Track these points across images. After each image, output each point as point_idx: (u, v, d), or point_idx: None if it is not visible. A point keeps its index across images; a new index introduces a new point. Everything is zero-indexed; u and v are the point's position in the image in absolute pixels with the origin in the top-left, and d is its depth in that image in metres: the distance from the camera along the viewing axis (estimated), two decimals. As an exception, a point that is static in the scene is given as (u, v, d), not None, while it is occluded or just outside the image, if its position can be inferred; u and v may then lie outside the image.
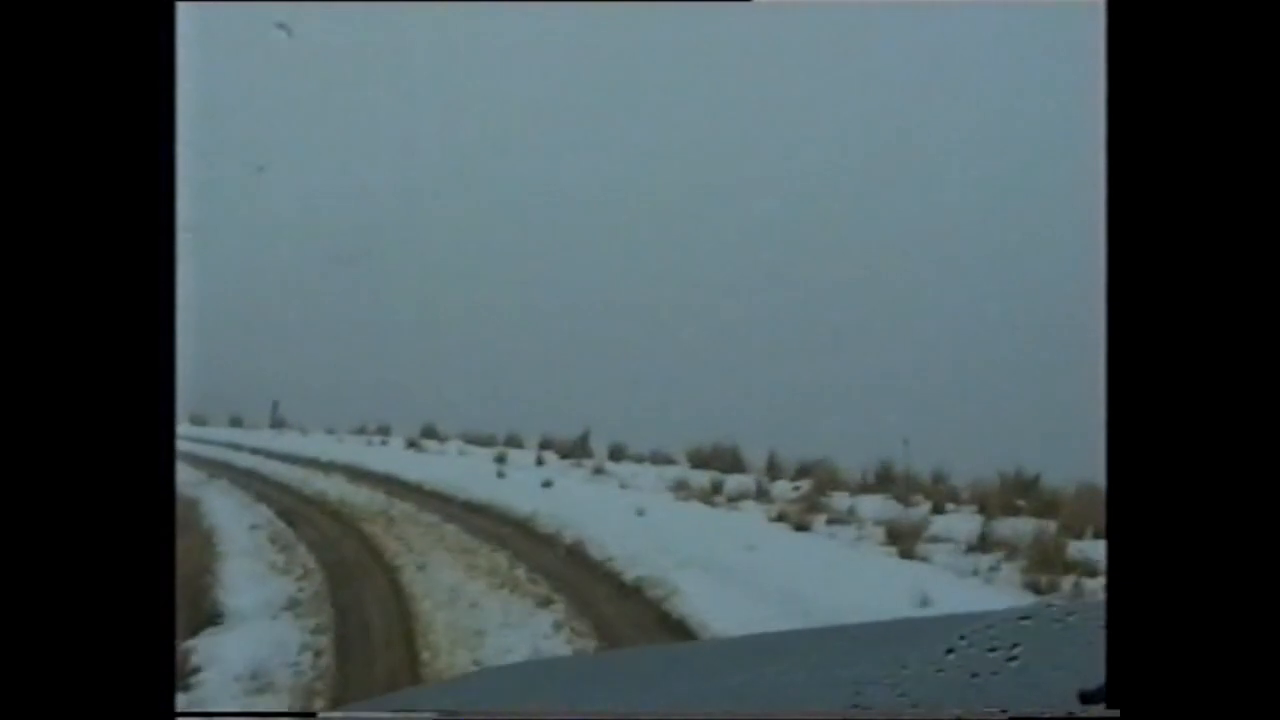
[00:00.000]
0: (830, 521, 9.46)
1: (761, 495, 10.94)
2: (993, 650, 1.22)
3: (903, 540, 8.27)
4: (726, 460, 14.84)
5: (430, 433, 20.89)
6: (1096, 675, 0.97)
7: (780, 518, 9.55)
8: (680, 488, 11.76)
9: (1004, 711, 1.05)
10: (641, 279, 32.46)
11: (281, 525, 9.77)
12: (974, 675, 1.18)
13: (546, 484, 12.33)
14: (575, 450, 17.33)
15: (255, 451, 17.63)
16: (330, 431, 22.95)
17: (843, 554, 8.28)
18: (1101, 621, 1.00)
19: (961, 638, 1.24)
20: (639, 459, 16.29)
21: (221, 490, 12.56)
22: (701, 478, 12.28)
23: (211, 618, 6.39)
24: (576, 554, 8.27)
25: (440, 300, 33.50)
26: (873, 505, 9.92)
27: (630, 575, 7.44)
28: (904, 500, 10.26)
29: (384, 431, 21.90)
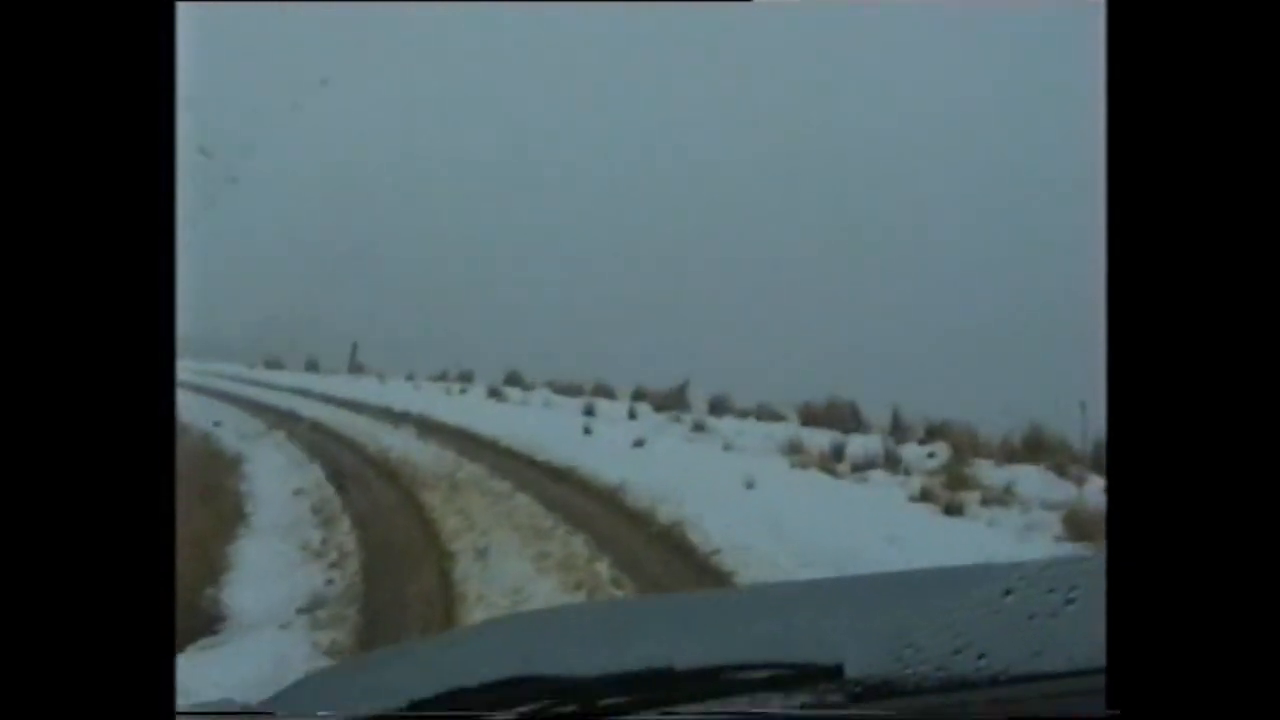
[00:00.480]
0: (986, 502, 7.70)
1: (891, 462, 9.34)
2: (1051, 591, 1.22)
3: (1086, 531, 6.42)
4: (843, 417, 12.77)
5: (514, 380, 20.09)
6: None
7: (924, 496, 7.89)
8: (793, 451, 10.17)
9: (1003, 707, 1.04)
10: (744, 220, 30.83)
11: (329, 491, 8.74)
12: (1031, 617, 1.19)
13: (639, 443, 10.87)
14: (672, 402, 16.06)
15: (326, 399, 17.07)
16: (409, 378, 22.39)
17: (1012, 549, 6.37)
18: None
19: (1020, 576, 1.24)
20: (743, 414, 15.02)
21: (276, 444, 11.68)
22: (818, 439, 10.70)
23: (208, 624, 5.16)
24: (673, 541, 6.83)
25: (531, 241, 32.83)
26: (1030, 479, 8.32)
27: (742, 575, 5.93)
28: (1065, 473, 8.49)
29: (466, 378, 20.50)
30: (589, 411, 14.45)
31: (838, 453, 9.60)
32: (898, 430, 11.18)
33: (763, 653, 1.25)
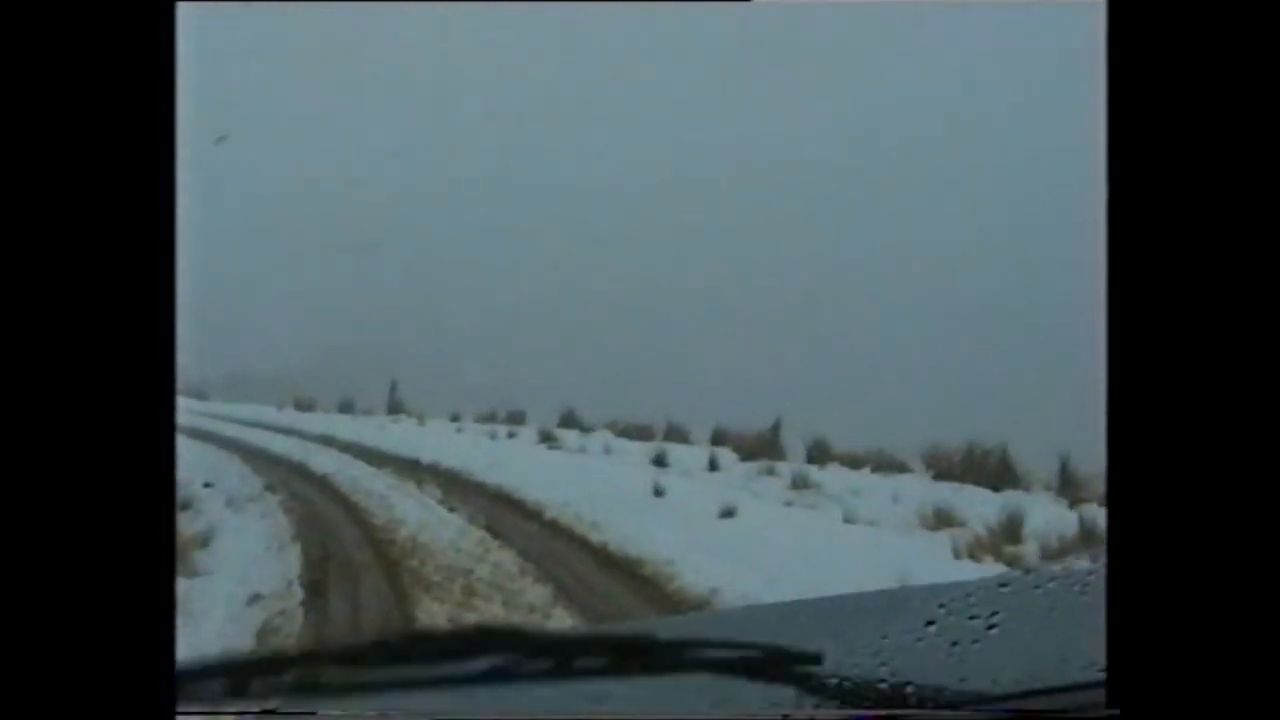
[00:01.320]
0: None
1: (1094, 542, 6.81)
2: (973, 618, 1.28)
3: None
4: (990, 468, 9.41)
5: (571, 421, 16.69)
6: (1075, 641, 1.07)
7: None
8: (942, 522, 8.15)
9: (1007, 708, 1.11)
10: (841, 227, 27.89)
11: (296, 599, 6.74)
12: (954, 644, 1.25)
13: (728, 513, 8.95)
14: (762, 448, 14.04)
15: (349, 447, 15.80)
16: (454, 419, 20.99)
17: None
18: (1079, 588, 1.14)
19: (941, 606, 1.30)
20: (852, 462, 12.85)
21: (261, 514, 10.01)
22: (970, 504, 8.67)
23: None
24: None
25: (590, 259, 30.25)
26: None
27: None
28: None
29: (516, 419, 17.52)
30: (660, 461, 13.15)
31: (1011, 528, 7.53)
32: (1069, 486, 8.00)
33: (698, 681, 1.26)
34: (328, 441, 15.91)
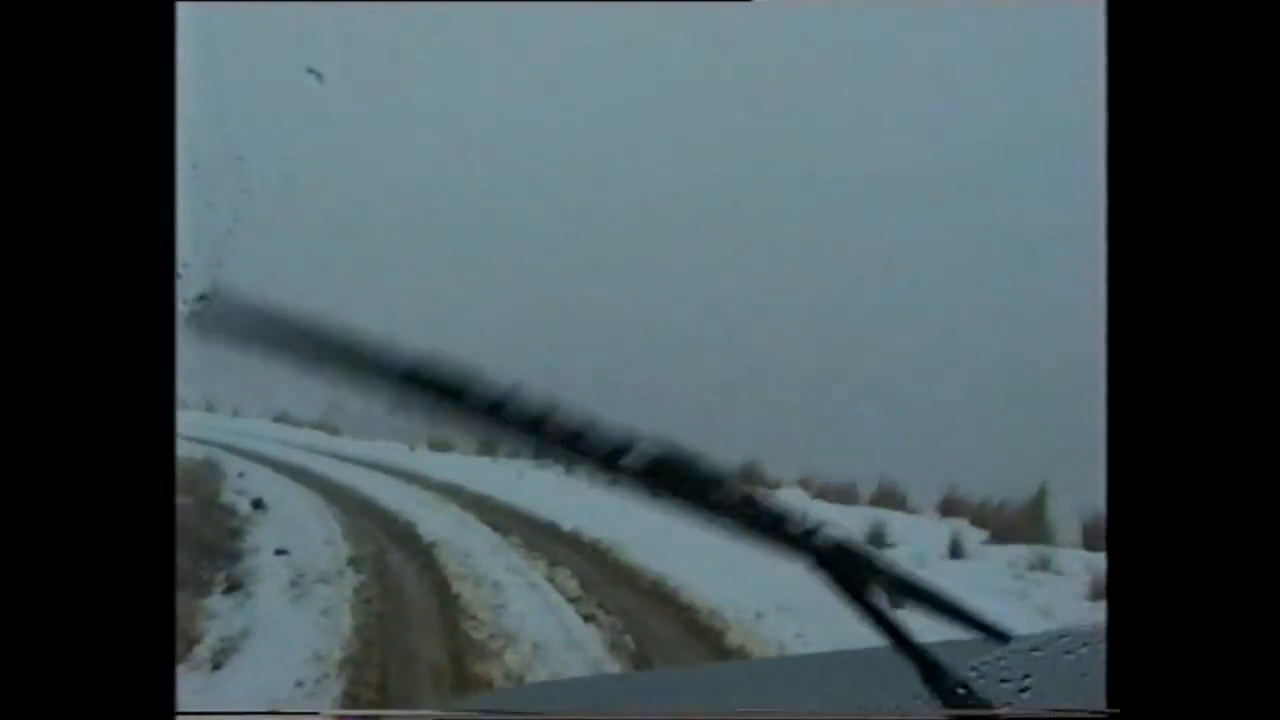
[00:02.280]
0: None
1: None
2: (1004, 682, 1.33)
3: None
4: None
5: (754, 475, 13.96)
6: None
7: None
8: None
9: (1007, 704, 1.22)
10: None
11: None
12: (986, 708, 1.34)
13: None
14: (1025, 522, 10.31)
15: (474, 502, 12.93)
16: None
17: None
18: None
19: (972, 669, 1.37)
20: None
21: (325, 608, 7.50)
22: None
23: None
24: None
25: (783, 282, 28.26)
26: None
27: None
28: None
29: None
30: (877, 538, 9.81)
31: None
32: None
33: (740, 709, 1.46)
34: (454, 492, 14.12)
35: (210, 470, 15.68)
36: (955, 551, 9.38)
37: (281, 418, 30.01)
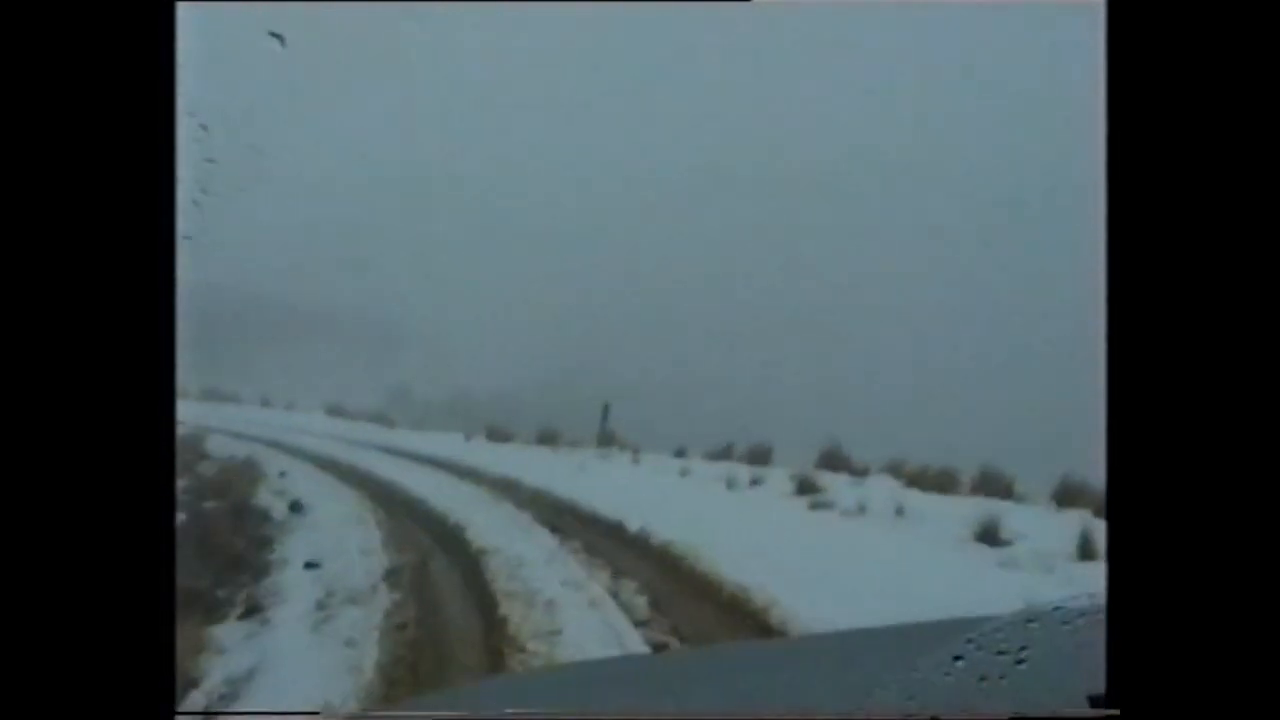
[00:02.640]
0: None
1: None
2: (1001, 653, 1.35)
3: None
4: None
5: (836, 460, 13.52)
6: (1102, 677, 1.15)
7: None
8: None
9: (1002, 676, 1.26)
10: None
11: None
12: (982, 679, 1.33)
13: None
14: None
15: (530, 501, 11.70)
16: (679, 454, 16.59)
17: None
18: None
19: (969, 640, 1.40)
20: None
21: (350, 638, 6.43)
22: None
23: None
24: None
25: (849, 263, 29.23)
26: None
27: None
28: None
29: (760, 458, 15.21)
30: (988, 533, 8.32)
31: None
32: None
33: (728, 707, 1.49)
34: (509, 488, 13.13)
35: (249, 470, 15.33)
36: (1085, 552, 7.88)
37: (336, 410, 29.73)
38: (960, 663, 1.32)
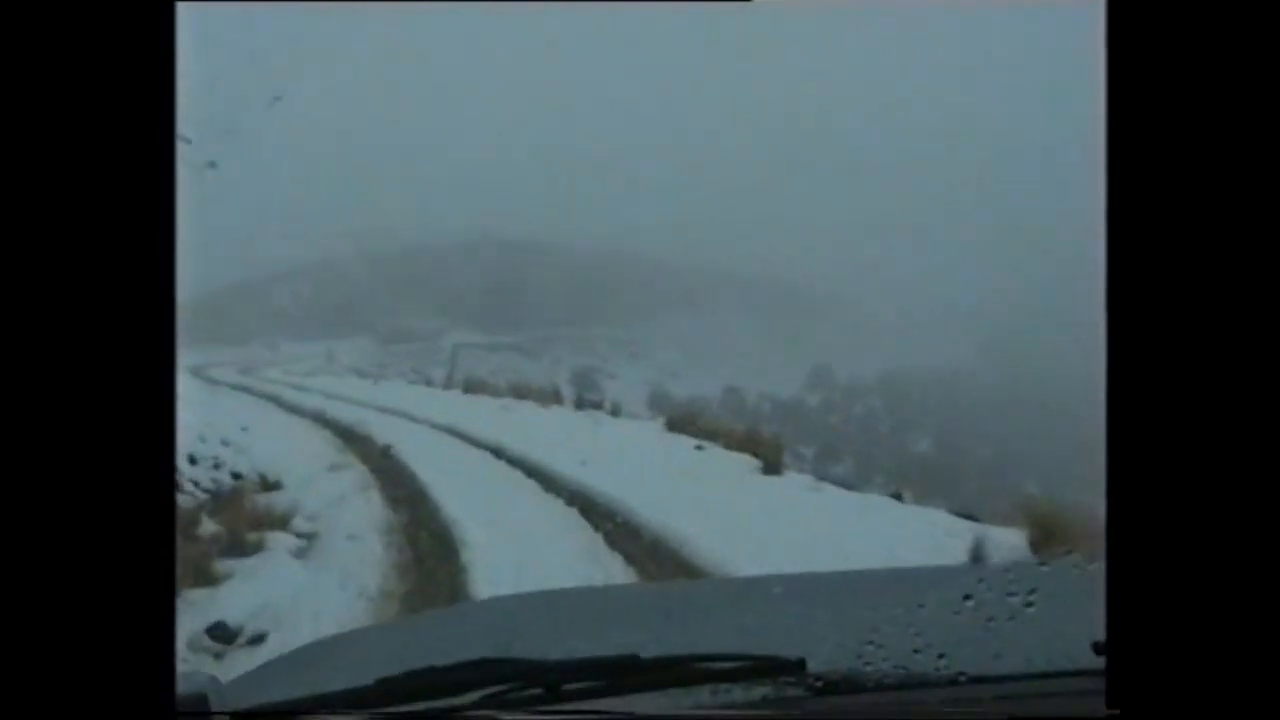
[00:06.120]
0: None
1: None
2: (1011, 595, 1.35)
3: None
4: None
5: None
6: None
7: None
8: None
9: (1010, 618, 1.27)
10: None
11: None
12: (990, 619, 1.33)
13: None
14: None
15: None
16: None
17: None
18: None
19: (980, 580, 1.40)
20: None
21: None
22: None
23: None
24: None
25: None
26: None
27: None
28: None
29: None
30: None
31: None
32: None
33: (731, 643, 1.43)
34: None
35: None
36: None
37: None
38: (970, 602, 1.30)
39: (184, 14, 1.25)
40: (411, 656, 1.33)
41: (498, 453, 13.01)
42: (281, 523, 9.02)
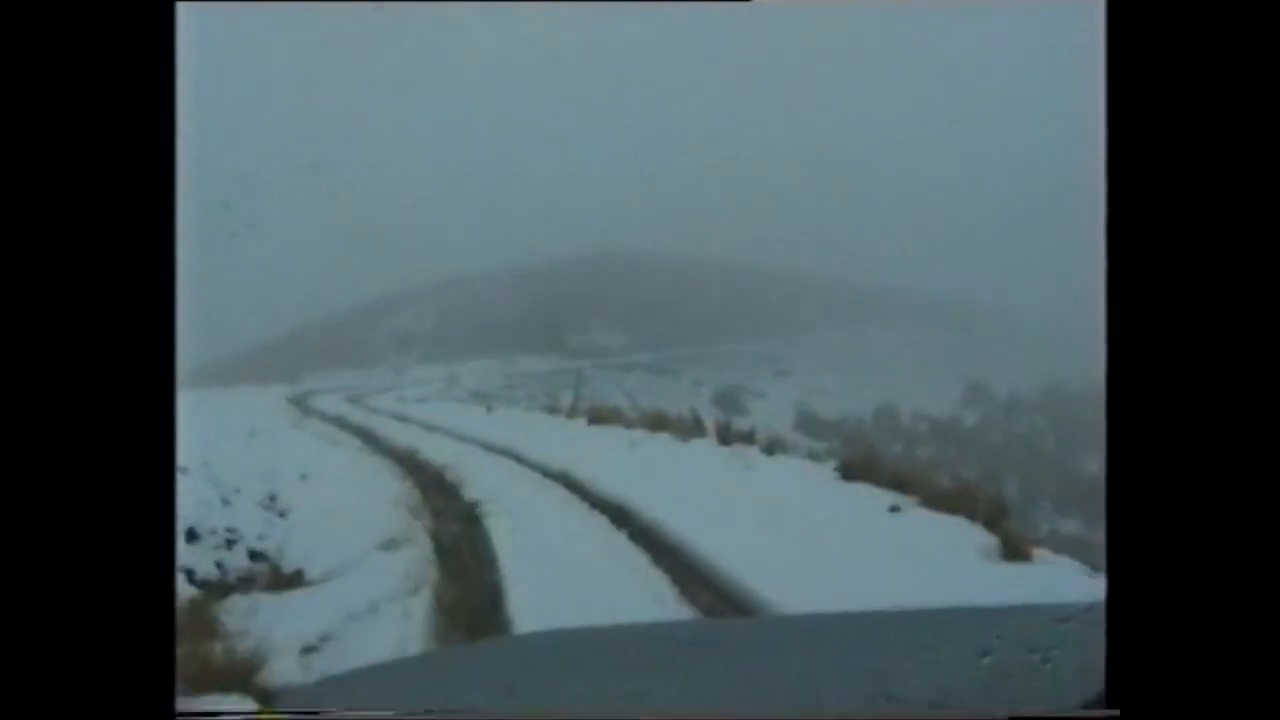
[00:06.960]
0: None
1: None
2: (1031, 652, 1.32)
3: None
4: None
5: None
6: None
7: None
8: None
9: (1011, 713, 1.24)
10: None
11: None
12: (1008, 675, 1.32)
13: None
14: None
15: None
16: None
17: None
18: None
19: (998, 636, 1.39)
20: None
21: None
22: None
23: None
24: None
25: None
26: None
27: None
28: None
29: None
30: None
31: None
32: None
33: (748, 687, 1.48)
34: None
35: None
36: None
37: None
38: (988, 659, 1.29)
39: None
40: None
41: (620, 516, 9.39)
42: (257, 665, 5.07)
